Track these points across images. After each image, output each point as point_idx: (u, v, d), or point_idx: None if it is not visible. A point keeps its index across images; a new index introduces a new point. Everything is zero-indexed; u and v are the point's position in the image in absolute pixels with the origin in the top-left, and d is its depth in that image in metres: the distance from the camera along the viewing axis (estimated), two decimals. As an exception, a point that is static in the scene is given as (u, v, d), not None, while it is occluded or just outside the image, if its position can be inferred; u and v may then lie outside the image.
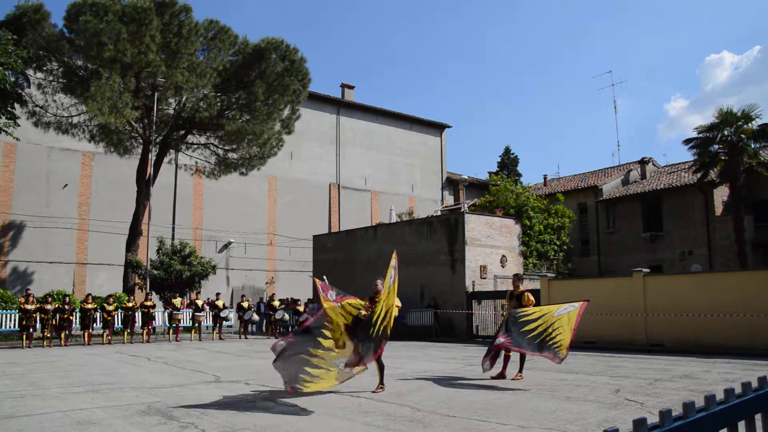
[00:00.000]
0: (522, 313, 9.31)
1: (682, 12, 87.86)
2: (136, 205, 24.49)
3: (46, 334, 17.83)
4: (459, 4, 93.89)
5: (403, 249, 22.95)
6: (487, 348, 9.83)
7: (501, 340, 9.06)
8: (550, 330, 8.88)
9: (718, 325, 13.67)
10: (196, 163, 27.44)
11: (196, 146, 26.48)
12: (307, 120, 31.95)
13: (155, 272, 22.77)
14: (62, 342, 18.34)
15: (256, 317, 23.72)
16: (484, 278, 20.82)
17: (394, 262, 8.10)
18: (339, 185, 36.79)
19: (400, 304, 8.36)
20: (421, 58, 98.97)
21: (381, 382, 8.14)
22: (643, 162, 32.27)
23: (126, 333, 19.46)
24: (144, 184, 24.17)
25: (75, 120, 24.32)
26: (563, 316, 9.00)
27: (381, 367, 8.14)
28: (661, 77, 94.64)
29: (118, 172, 27.82)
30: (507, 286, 17.44)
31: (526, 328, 9.01)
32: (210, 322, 22.67)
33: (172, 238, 27.92)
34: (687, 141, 25.44)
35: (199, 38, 23.24)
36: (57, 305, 18.27)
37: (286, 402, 7.49)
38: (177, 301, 20.89)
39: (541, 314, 9.18)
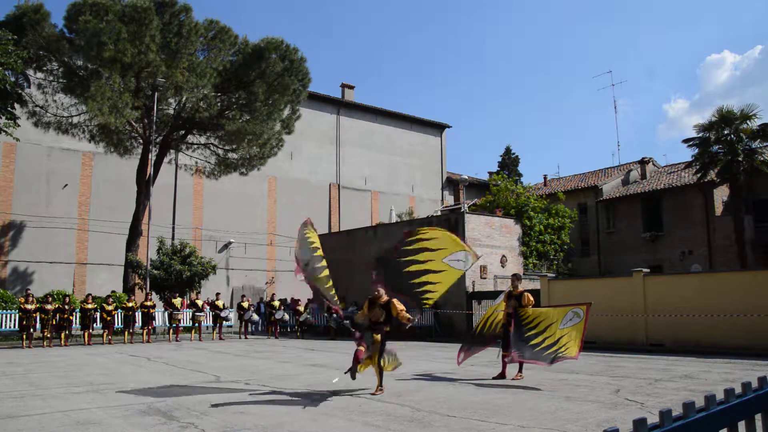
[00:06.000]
0: (527, 322, 9.32)
1: (682, 12, 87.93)
2: (136, 205, 24.48)
3: (46, 334, 17.84)
4: (459, 4, 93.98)
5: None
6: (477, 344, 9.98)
7: (512, 356, 9.22)
8: (559, 344, 8.95)
9: (718, 325, 13.67)
10: (196, 163, 27.44)
11: (196, 146, 26.48)
12: (307, 120, 31.92)
13: (155, 272, 22.76)
14: (62, 342, 18.35)
15: (256, 317, 23.70)
16: (484, 278, 20.82)
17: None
18: (339, 185, 36.76)
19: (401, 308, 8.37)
20: (421, 58, 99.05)
21: (380, 384, 8.13)
22: (643, 162, 32.28)
23: (126, 333, 19.47)
24: (144, 184, 24.15)
25: (75, 120, 24.31)
26: (571, 330, 8.96)
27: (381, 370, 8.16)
28: (661, 77, 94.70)
29: (118, 172, 27.79)
30: (507, 286, 17.39)
31: (534, 341, 9.13)
32: (210, 322, 22.68)
33: (172, 238, 27.90)
34: (686, 140, 25.48)
35: (199, 38, 23.23)
36: (57, 305, 18.27)
37: (286, 402, 7.50)
38: (177, 301, 20.89)
39: (547, 325, 9.17)
